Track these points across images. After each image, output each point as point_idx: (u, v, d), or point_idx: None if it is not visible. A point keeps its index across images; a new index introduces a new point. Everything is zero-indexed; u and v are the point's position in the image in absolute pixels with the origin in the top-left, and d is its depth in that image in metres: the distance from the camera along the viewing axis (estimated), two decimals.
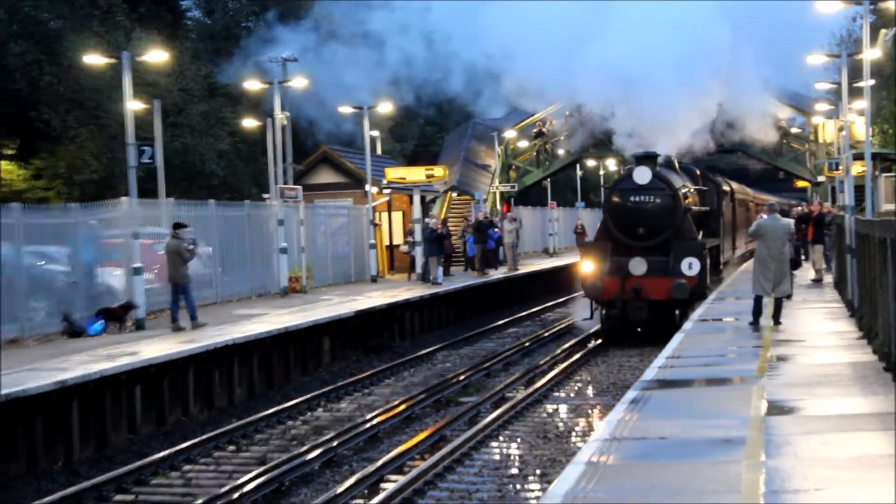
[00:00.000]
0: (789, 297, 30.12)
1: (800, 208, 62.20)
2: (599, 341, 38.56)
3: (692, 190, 41.27)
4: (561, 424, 25.88)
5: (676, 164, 41.90)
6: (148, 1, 66.60)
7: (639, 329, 37.84)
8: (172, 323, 32.88)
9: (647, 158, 38.52)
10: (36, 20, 57.70)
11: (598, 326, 39.27)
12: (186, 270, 33.38)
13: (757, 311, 29.26)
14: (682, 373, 22.98)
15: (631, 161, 40.61)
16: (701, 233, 40.91)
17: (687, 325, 31.56)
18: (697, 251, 37.44)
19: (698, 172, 44.61)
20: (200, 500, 18.88)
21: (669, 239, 37.52)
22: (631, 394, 20.60)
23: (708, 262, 38.83)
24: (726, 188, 49.21)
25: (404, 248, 56.14)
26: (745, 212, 58.97)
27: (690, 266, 36.69)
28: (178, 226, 34.19)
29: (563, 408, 28.00)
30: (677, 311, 36.65)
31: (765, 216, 30.71)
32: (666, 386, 21.47)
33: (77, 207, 35.86)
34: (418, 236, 54.87)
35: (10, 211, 31.90)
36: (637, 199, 37.68)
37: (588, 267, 37.82)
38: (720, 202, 45.62)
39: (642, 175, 37.57)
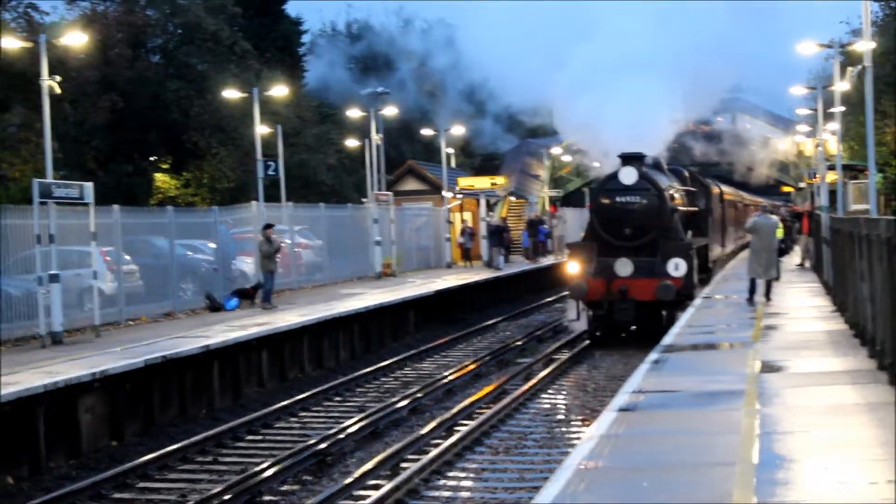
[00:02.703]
0: (777, 279, 29.86)
1: (784, 209, 61.75)
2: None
3: (680, 190, 34.68)
4: (601, 379, 25.69)
5: (664, 165, 35.12)
6: (273, 48, 66.81)
7: (623, 335, 30.97)
8: (263, 303, 32.47)
9: (634, 159, 31.46)
10: (187, 64, 58.08)
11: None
12: (269, 261, 32.68)
13: (752, 290, 29.03)
14: (694, 339, 22.84)
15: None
16: (689, 233, 34.27)
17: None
18: (684, 251, 30.69)
19: (687, 174, 38.04)
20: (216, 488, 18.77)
21: (656, 239, 30.75)
22: (653, 355, 20.50)
23: (695, 261, 31.99)
24: (715, 189, 42.51)
25: (460, 239, 55.98)
26: (735, 211, 52.96)
27: (677, 267, 30.02)
28: (267, 226, 33.46)
29: (600, 366, 27.82)
30: (664, 312, 30.04)
31: (758, 215, 30.48)
32: (681, 350, 21.37)
33: (217, 209, 36.04)
34: (483, 231, 55.12)
35: (165, 212, 32.13)
36: (623, 199, 30.98)
37: (573, 268, 30.98)
38: (709, 202, 38.78)
39: (628, 175, 30.92)
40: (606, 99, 32.51)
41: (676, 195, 33.30)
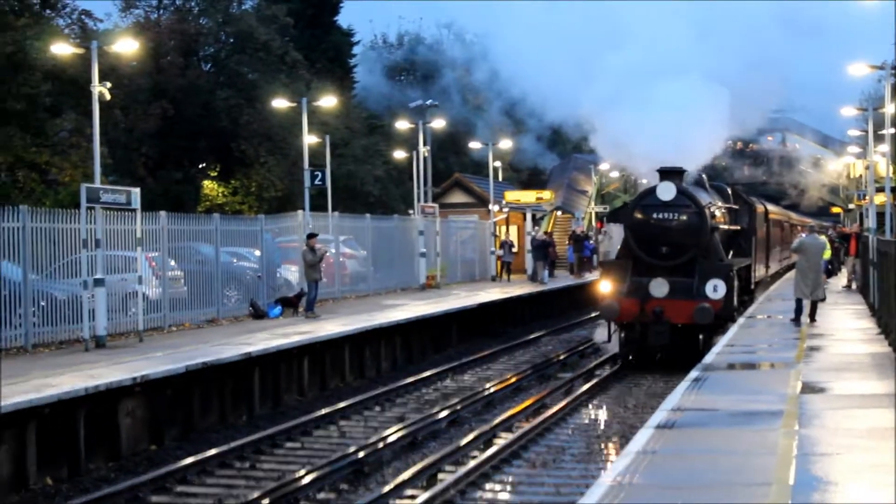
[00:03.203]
0: (823, 300, 29.60)
1: (832, 230, 61.34)
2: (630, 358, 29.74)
3: (722, 208, 32.57)
4: (641, 396, 25.47)
5: (706, 181, 33.13)
6: (324, 59, 67.08)
7: (658, 356, 29.27)
8: (306, 311, 32.53)
9: (673, 173, 29.41)
10: (237, 73, 58.46)
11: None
12: (312, 271, 32.68)
13: (798, 310, 28.78)
14: (735, 358, 22.70)
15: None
16: (731, 252, 32.70)
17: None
18: (724, 273, 28.53)
19: (730, 191, 36.16)
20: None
21: (694, 259, 28.66)
22: (693, 373, 20.39)
23: (736, 283, 29.63)
24: (760, 207, 40.11)
25: (499, 252, 55.83)
26: (780, 231, 50.87)
27: (716, 288, 27.92)
28: (310, 236, 33.47)
29: (641, 383, 27.67)
30: (701, 336, 28.01)
31: (804, 235, 30.23)
32: (721, 368, 21.24)
33: (263, 218, 36.15)
34: (528, 245, 55.09)
35: (211, 219, 32.23)
36: (660, 215, 28.87)
37: (606, 287, 28.99)
38: (753, 221, 36.47)
39: (667, 190, 28.80)
40: (644, 109, 30.63)
41: (718, 213, 31.45)
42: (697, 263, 28.56)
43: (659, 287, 28.09)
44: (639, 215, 29.36)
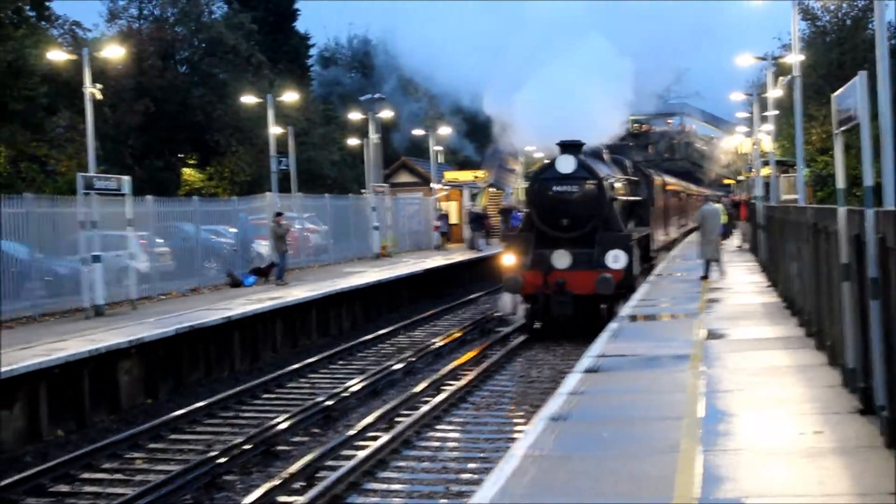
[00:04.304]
0: (717, 260, 29.41)
1: (725, 199, 61.77)
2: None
3: (621, 179, 29.86)
4: (568, 346, 24.94)
5: (605, 154, 30.05)
6: (285, 60, 66.68)
7: (561, 323, 25.98)
8: (277, 280, 32.51)
9: (572, 147, 26.50)
10: (210, 74, 58.10)
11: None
12: (280, 243, 32.84)
13: (707, 268, 28.53)
14: (647, 310, 22.85)
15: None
16: (632, 223, 29.89)
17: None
18: (624, 243, 25.81)
19: (628, 163, 33.14)
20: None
21: (595, 230, 25.92)
22: (613, 324, 20.53)
23: (636, 252, 27.08)
24: (658, 179, 37.52)
25: (437, 223, 55.68)
26: (679, 201, 48.95)
27: (616, 259, 25.38)
28: (277, 214, 33.63)
29: (571, 333, 27.62)
30: (603, 306, 25.37)
31: (705, 206, 30.32)
32: (636, 320, 21.40)
33: (236, 199, 36.08)
34: (465, 218, 55.15)
35: (191, 202, 32.10)
36: (560, 188, 26.04)
37: (509, 260, 26.12)
38: (651, 192, 33.72)
39: (566, 164, 25.99)
40: (551, 81, 28.08)
41: (617, 184, 28.65)
42: (598, 234, 25.95)
43: (561, 258, 25.60)
44: (539, 188, 26.71)
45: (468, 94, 37.39)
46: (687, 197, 57.21)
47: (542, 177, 26.86)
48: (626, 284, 25.87)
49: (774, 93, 40.82)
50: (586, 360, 16.06)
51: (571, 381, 14.40)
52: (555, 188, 26.21)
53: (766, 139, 49.83)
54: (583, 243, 25.79)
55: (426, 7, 42.99)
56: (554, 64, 28.97)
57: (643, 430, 11.23)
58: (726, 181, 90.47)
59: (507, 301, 27.75)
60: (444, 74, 37.22)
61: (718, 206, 31.37)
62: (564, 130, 26.81)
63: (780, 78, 39.82)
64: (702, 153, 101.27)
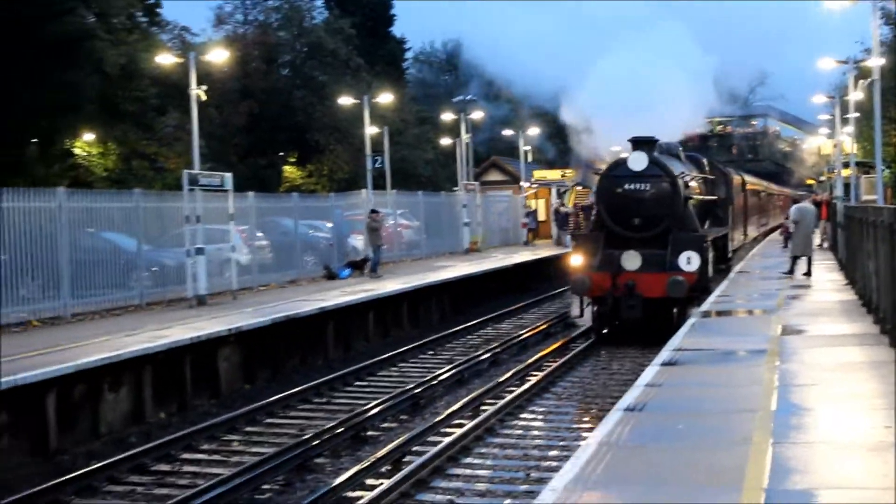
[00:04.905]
0: (809, 256, 28.83)
1: (808, 199, 60.73)
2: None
3: (697, 178, 27.24)
4: (651, 340, 24.89)
5: (680, 151, 27.52)
6: (382, 62, 67.01)
7: (630, 328, 23.92)
8: (371, 273, 32.59)
9: (645, 143, 24.29)
10: (311, 76, 58.57)
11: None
12: (375, 238, 32.91)
13: (793, 265, 28.22)
14: (726, 306, 22.54)
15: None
16: (707, 223, 27.51)
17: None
18: (698, 244, 23.59)
19: (705, 161, 30.21)
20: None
21: (668, 230, 23.73)
22: (691, 319, 20.31)
23: (711, 254, 24.92)
24: (737, 178, 34.79)
25: (525, 220, 55.50)
26: (758, 200, 45.70)
27: (689, 260, 23.19)
28: (373, 211, 33.79)
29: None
30: (675, 310, 23.19)
31: (804, 203, 29.56)
32: (714, 315, 21.14)
33: (333, 196, 36.33)
34: (553, 216, 54.96)
35: (291, 198, 32.44)
36: (631, 186, 23.89)
37: (577, 260, 24.13)
38: (730, 191, 31.15)
39: (638, 161, 23.86)
40: (619, 72, 26.29)
41: (692, 183, 26.24)
42: (671, 235, 23.75)
43: (631, 260, 23.55)
44: (609, 186, 24.55)
45: (545, 98, 36.50)
46: (768, 196, 55.97)
47: (613, 174, 24.66)
48: (699, 287, 23.74)
49: (855, 96, 40.14)
50: (664, 354, 15.92)
51: (649, 373, 14.29)
52: (626, 186, 24.10)
53: (847, 141, 49.04)
54: (655, 244, 23.73)
55: (502, 9, 42.16)
56: (629, 55, 27.58)
57: (717, 422, 11.08)
58: (808, 181, 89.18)
59: (575, 303, 25.98)
60: (521, 81, 36.68)
61: (813, 207, 30.73)
62: (640, 127, 24.79)
63: (861, 81, 39.11)
64: (785, 154, 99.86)
